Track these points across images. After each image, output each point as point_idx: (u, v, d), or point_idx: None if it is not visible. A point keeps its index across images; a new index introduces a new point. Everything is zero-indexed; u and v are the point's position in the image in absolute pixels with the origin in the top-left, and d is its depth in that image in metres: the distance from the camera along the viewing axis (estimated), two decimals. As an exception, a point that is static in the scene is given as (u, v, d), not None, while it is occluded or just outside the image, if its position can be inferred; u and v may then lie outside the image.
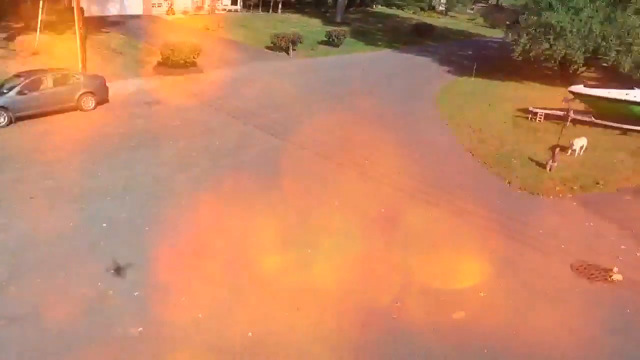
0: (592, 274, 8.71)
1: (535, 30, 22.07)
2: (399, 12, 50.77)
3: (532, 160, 13.69)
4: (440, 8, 60.00)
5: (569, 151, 14.15)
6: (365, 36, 33.71)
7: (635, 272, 8.79)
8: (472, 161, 13.80)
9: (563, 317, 7.59)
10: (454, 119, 17.50)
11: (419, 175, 12.15)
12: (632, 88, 16.81)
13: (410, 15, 49.83)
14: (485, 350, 6.70)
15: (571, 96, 17.30)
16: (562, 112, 16.48)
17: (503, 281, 8.37)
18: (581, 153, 14.26)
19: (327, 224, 9.66)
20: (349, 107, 17.87)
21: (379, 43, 32.54)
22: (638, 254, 9.48)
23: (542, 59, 23.45)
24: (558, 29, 21.09)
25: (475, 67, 24.28)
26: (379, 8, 51.18)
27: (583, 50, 21.50)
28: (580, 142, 14.26)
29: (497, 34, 37.62)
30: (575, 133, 15.17)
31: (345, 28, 32.05)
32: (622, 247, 9.70)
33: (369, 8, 49.80)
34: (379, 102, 18.89)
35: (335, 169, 12.36)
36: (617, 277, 8.59)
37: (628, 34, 20.97)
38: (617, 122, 16.81)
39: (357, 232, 9.44)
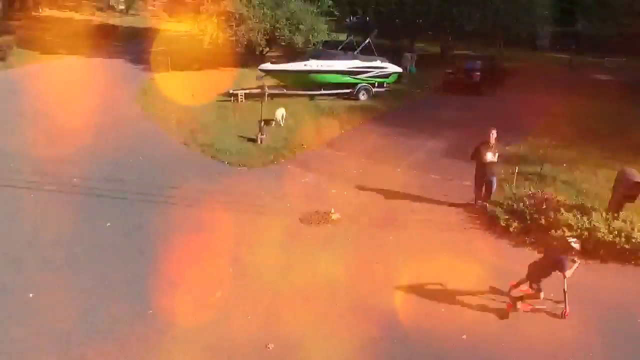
0: (317, 220, 9.94)
1: (218, 18, 23.32)
2: (74, 15, 46.38)
3: (243, 137, 14.64)
4: (121, 7, 57.39)
5: (273, 123, 15.63)
6: (37, 44, 29.63)
7: (346, 207, 10.42)
8: (188, 152, 13.87)
9: (303, 256, 8.64)
10: (159, 115, 17.13)
11: (141, 178, 11.57)
12: (308, 59, 19.63)
13: (88, 17, 46.08)
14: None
15: (262, 74, 19.15)
16: (259, 90, 18.11)
17: (252, 249, 8.79)
18: (282, 122, 15.91)
19: None
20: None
21: (60, 50, 29.07)
22: (345, 193, 11.24)
23: (231, 44, 24.95)
24: (237, 16, 22.82)
25: (169, 62, 24.21)
26: (48, 11, 45.64)
27: (262, 33, 23.85)
28: (280, 113, 15.88)
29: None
30: (275, 106, 16.80)
31: (8, 37, 27.37)
32: (333, 191, 11.35)
33: (35, 14, 43.85)
34: (74, 113, 16.93)
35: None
36: (335, 216, 10.04)
37: (293, 16, 24.19)
38: (304, 90, 19.50)
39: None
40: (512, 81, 24.23)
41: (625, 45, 25.34)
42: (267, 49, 26.15)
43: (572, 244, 6.80)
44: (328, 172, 12.42)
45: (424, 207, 10.56)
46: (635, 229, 8.43)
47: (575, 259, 6.95)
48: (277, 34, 24.48)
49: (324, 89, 19.63)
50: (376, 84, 20.36)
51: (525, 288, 7.21)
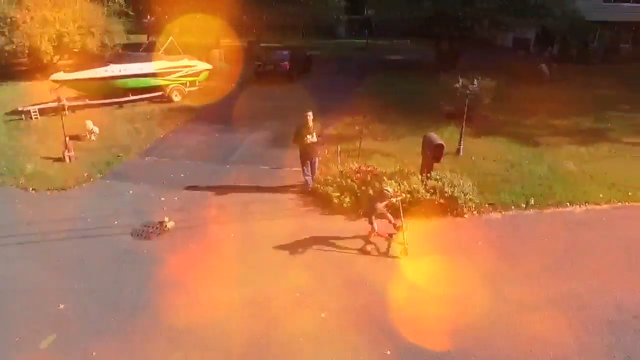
0: (150, 232, 9.27)
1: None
2: None
3: (47, 158, 12.85)
4: None
5: (89, 135, 14.11)
6: None
7: (179, 213, 9.97)
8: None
9: (139, 274, 7.85)
10: None
11: None
12: (107, 64, 18.00)
13: None
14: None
15: (57, 85, 16.98)
16: (55, 103, 16.04)
17: (78, 280, 7.80)
18: (93, 135, 14.38)
19: None
20: None
21: None
22: (176, 198, 10.69)
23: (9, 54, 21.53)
24: (8, 20, 19.73)
25: None
26: None
27: (47, 38, 21.05)
28: (89, 124, 14.34)
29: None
30: (79, 119, 15.09)
31: None
32: (162, 199, 10.69)
33: None
34: None
35: None
36: (170, 224, 9.48)
37: (81, 18, 21.90)
38: (110, 98, 17.85)
39: None
40: (318, 67, 25.81)
41: (409, 29, 28.78)
42: (58, 56, 23.29)
43: (385, 190, 8.53)
44: (153, 180, 11.64)
45: (259, 199, 10.62)
46: (446, 185, 9.74)
47: (394, 199, 8.62)
48: (65, 39, 21.91)
49: (132, 95, 18.24)
50: (188, 83, 19.71)
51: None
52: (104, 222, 9.60)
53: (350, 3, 35.04)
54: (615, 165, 12.41)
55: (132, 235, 9.21)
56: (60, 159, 12.64)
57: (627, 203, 10.52)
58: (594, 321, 6.80)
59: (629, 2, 30.64)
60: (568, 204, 10.39)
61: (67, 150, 12.61)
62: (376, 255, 8.50)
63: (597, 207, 10.35)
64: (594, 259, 8.38)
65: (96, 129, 14.51)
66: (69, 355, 6.32)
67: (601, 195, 10.67)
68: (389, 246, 8.75)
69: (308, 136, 10.43)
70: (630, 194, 10.79)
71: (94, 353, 6.33)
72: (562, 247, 8.73)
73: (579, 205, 10.36)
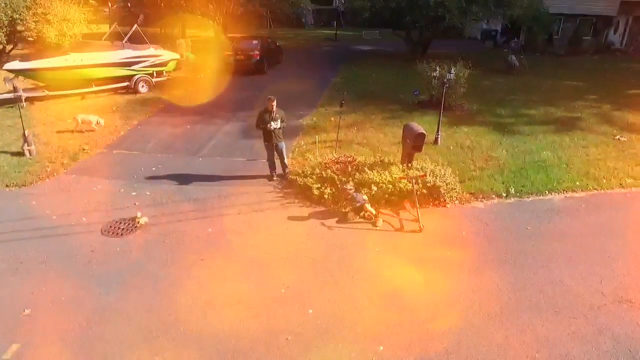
0: (122, 229, 8.74)
1: None
2: None
3: (4, 152, 12.03)
4: None
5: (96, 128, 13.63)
6: None
7: (153, 208, 9.45)
8: None
9: (112, 275, 7.34)
10: None
11: None
12: (68, 53, 17.05)
13: None
14: None
15: (11, 75, 15.94)
16: (12, 94, 15.09)
17: (43, 285, 7.21)
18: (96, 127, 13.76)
19: None
20: None
21: None
22: (148, 193, 10.14)
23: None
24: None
25: None
26: None
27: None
28: (93, 118, 13.76)
29: None
30: (38, 112, 14.24)
31: None
32: (133, 194, 10.13)
33: None
34: None
35: None
36: (143, 220, 8.96)
37: (36, 5, 20.71)
38: (72, 89, 16.92)
39: None
40: (288, 57, 25.35)
41: (377, 20, 28.63)
42: (11, 46, 22.02)
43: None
44: (123, 175, 11.04)
45: (235, 192, 10.21)
46: (427, 174, 9.55)
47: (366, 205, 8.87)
48: (19, 27, 20.70)
49: (95, 85, 17.37)
50: (155, 74, 18.93)
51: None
52: (70, 220, 8.99)
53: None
54: (588, 154, 12.58)
55: (102, 232, 8.65)
56: (19, 154, 11.85)
57: (602, 190, 10.63)
58: (577, 306, 6.76)
59: (590, -5, 31.44)
60: (547, 192, 10.42)
61: (26, 144, 11.82)
62: (360, 247, 8.25)
63: (575, 194, 10.42)
64: (575, 245, 8.38)
65: (102, 121, 13.77)
66: (36, 366, 5.82)
67: (577, 183, 10.76)
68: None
69: (272, 122, 10.12)
70: (604, 181, 10.92)
71: (64, 362, 5.83)
72: (544, 234, 8.71)
73: (558, 194, 10.41)
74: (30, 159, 11.70)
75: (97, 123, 13.67)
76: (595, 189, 10.64)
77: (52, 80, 16.69)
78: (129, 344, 6.06)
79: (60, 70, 16.54)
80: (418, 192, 9.19)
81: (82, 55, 16.93)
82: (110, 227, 8.83)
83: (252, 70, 21.60)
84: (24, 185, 10.47)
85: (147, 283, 7.25)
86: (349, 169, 9.76)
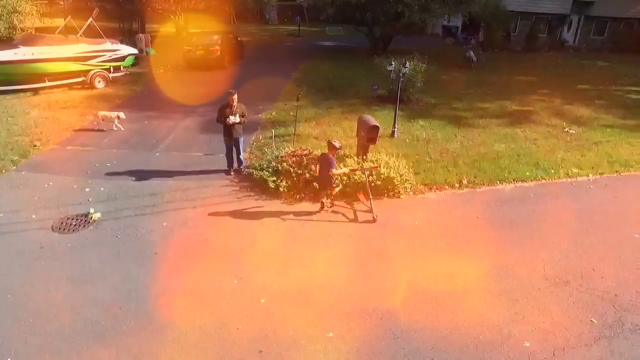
0: (74, 225, 8.57)
1: None
2: None
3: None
4: None
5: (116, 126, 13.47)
6: None
7: (106, 204, 9.30)
8: None
9: (61, 272, 7.21)
10: None
11: None
12: (18, 47, 16.47)
13: None
14: None
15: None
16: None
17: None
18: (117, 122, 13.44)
19: None
20: None
21: None
22: (102, 189, 9.97)
23: None
24: None
25: None
26: None
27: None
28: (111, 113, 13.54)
29: None
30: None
31: None
32: (87, 190, 9.93)
33: None
34: None
35: None
36: (96, 216, 8.82)
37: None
38: (22, 84, 16.40)
39: None
40: (250, 53, 25.22)
41: (341, 16, 28.78)
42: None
43: (334, 143, 8.86)
44: (76, 171, 10.79)
45: (192, 186, 10.15)
46: (382, 166, 9.73)
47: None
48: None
49: (48, 80, 16.86)
50: (112, 69, 18.52)
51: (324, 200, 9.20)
52: (19, 217, 8.74)
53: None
54: (538, 145, 13.07)
55: (52, 229, 8.47)
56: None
57: (550, 180, 11.08)
58: (522, 290, 7.06)
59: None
60: (499, 182, 10.78)
61: (-27, 140, 11.44)
62: (314, 238, 8.35)
63: (525, 184, 10.83)
64: (522, 232, 8.74)
65: (122, 115, 13.42)
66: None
67: (528, 174, 11.18)
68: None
69: (231, 117, 10.13)
70: (552, 171, 11.39)
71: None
72: (493, 223, 9.04)
73: (509, 184, 10.79)
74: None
75: (118, 118, 13.40)
76: (544, 179, 11.09)
77: (0, 75, 16.10)
78: (76, 339, 5.98)
79: (9, 64, 15.95)
80: (372, 184, 9.37)
81: (33, 49, 16.38)
82: (62, 223, 8.65)
83: (212, 65, 21.40)
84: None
85: (98, 278, 7.15)
86: (304, 162, 9.83)
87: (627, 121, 15.71)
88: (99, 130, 13.36)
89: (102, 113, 13.50)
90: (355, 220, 8.97)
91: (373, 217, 8.82)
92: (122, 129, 13.44)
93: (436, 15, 26.11)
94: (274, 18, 40.94)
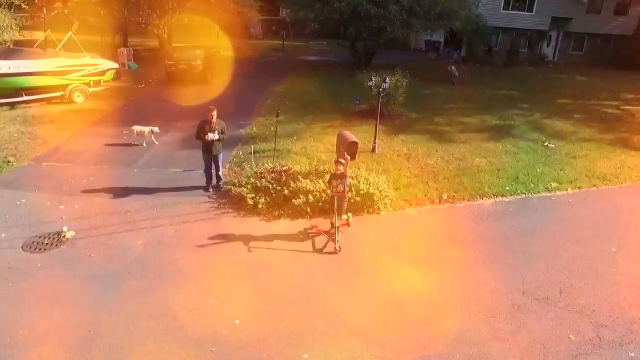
0: (46, 244, 8.34)
1: None
2: None
3: None
4: None
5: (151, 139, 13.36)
6: None
7: (80, 222, 9.08)
8: None
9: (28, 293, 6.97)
10: None
11: None
12: (-3, 60, 16.24)
13: None
14: None
15: None
16: None
17: None
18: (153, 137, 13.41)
19: None
20: None
21: None
22: (76, 206, 9.75)
23: None
24: None
25: None
26: None
27: None
28: (144, 128, 13.35)
29: None
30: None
31: None
32: (61, 207, 9.71)
33: None
34: None
35: None
36: (70, 234, 8.61)
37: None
38: (0, 98, 16.13)
39: None
40: (233, 68, 25.19)
41: (325, 30, 28.98)
42: None
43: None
44: (50, 188, 10.55)
45: (169, 202, 9.98)
46: (361, 182, 9.68)
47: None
48: None
49: (25, 95, 16.60)
50: (92, 83, 18.32)
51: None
52: (-13, 236, 8.51)
53: (265, 3, 34.76)
54: (519, 160, 13.16)
55: (23, 248, 8.22)
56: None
57: (529, 194, 11.13)
58: (500, 307, 7.01)
59: (524, 11, 33.22)
60: (479, 197, 10.80)
61: (-57, 157, 11.15)
62: (292, 256, 8.23)
63: (504, 199, 10.86)
64: (501, 248, 8.72)
65: (156, 129, 13.28)
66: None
67: (507, 188, 11.22)
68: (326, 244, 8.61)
69: (210, 134, 10.02)
70: (532, 185, 11.46)
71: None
72: (472, 238, 9.02)
73: (489, 198, 10.81)
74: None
75: (152, 132, 13.28)
76: (524, 193, 11.14)
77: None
78: (43, 364, 5.76)
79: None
80: (351, 200, 9.28)
81: (10, 62, 16.13)
82: (32, 242, 8.41)
83: (194, 80, 21.32)
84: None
85: (68, 300, 6.93)
86: (284, 178, 9.74)
87: (604, 135, 15.95)
88: (133, 144, 13.32)
89: (137, 128, 13.27)
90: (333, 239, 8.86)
91: (335, 249, 8.31)
92: (157, 142, 13.31)
93: (418, 31, 26.42)
94: (259, 32, 41.11)
